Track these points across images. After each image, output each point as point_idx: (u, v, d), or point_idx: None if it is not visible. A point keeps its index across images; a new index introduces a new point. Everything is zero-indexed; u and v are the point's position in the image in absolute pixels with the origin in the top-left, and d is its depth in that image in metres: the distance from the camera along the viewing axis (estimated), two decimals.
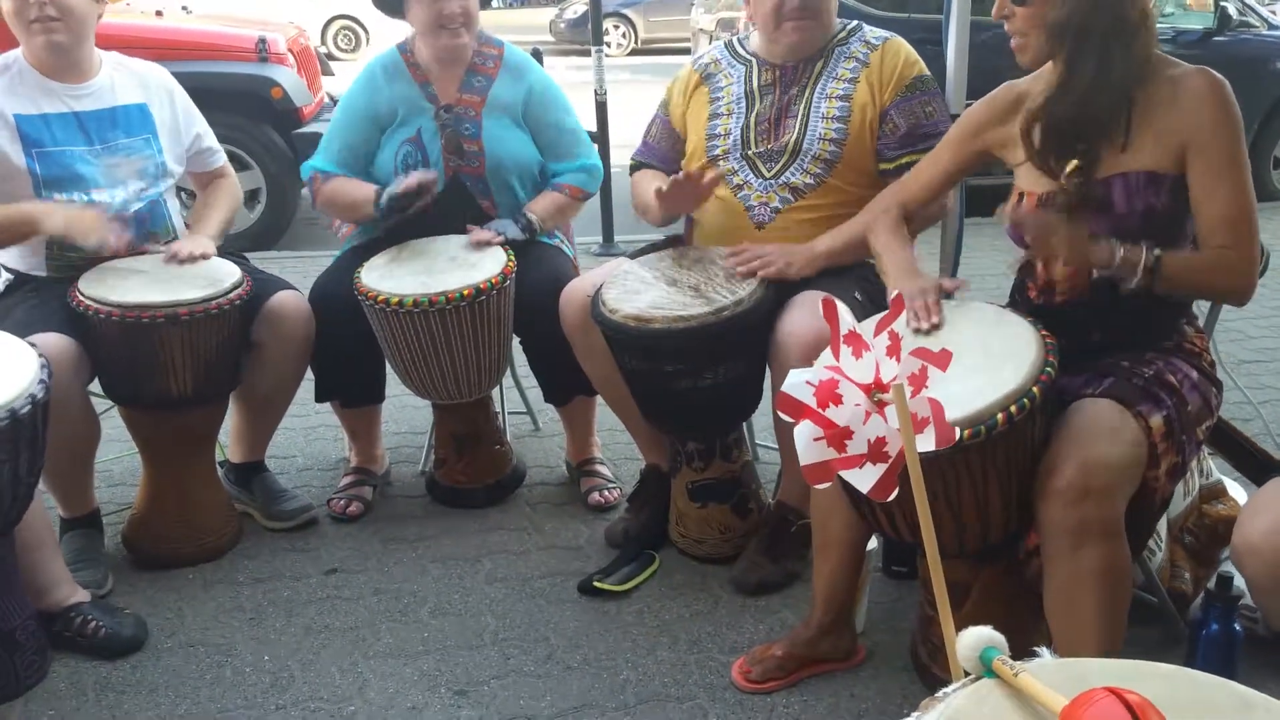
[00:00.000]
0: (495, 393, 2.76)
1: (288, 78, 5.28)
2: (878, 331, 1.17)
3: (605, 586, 2.28)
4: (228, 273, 2.40)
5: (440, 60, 2.60)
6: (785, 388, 1.22)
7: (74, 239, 2.23)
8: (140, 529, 2.48)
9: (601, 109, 5.01)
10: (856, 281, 2.22)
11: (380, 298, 2.40)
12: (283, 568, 2.45)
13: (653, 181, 2.40)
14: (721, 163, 2.34)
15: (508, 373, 2.84)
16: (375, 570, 2.44)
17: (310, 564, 2.47)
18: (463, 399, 2.59)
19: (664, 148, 2.52)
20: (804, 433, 1.21)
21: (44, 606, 2.13)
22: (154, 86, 2.54)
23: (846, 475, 1.21)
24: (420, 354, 2.48)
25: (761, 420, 2.62)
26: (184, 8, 6.03)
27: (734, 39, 2.52)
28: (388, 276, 2.46)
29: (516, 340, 2.65)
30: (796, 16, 2.29)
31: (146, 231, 2.47)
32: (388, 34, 14.80)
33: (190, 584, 2.39)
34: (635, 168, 2.57)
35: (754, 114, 2.34)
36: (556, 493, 2.76)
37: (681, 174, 2.26)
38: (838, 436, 1.19)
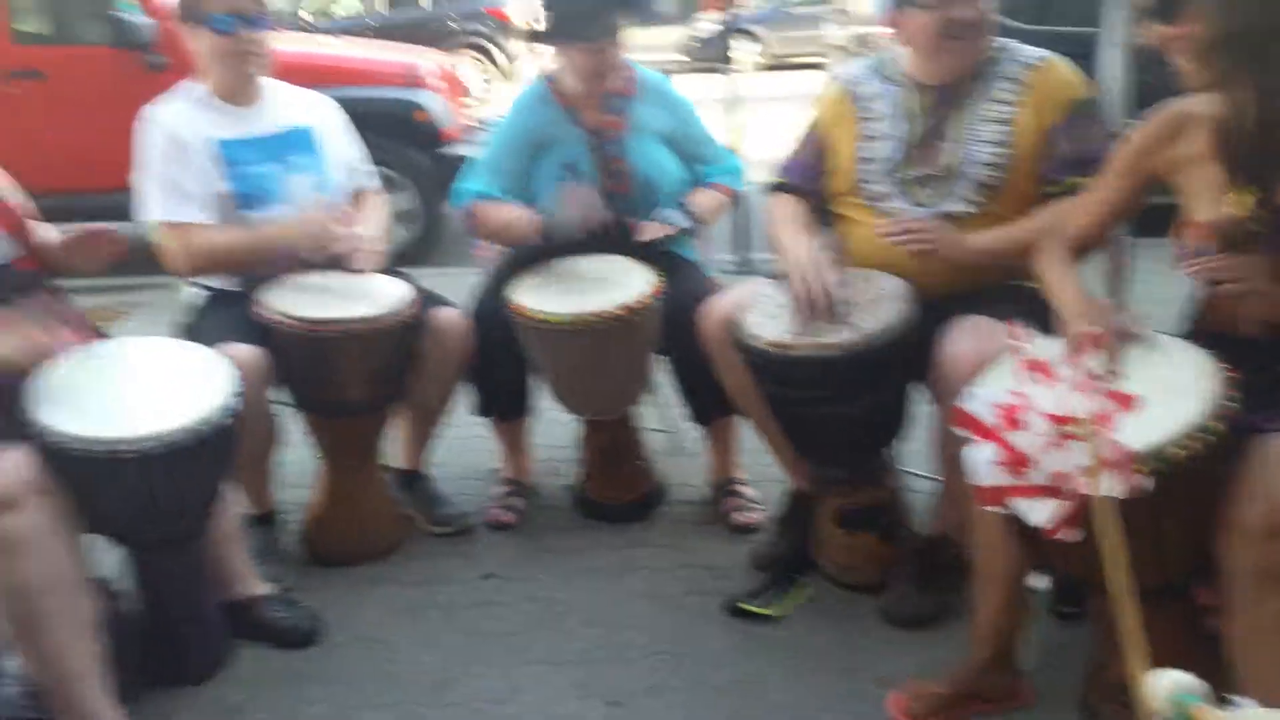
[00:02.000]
0: (642, 409, 2.84)
1: (434, 102, 5.55)
2: (1068, 363, 1.18)
3: (752, 609, 2.32)
4: (397, 290, 2.54)
5: (582, 86, 2.70)
6: (968, 405, 1.22)
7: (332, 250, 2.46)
8: (316, 528, 2.65)
9: (737, 125, 5.05)
10: (1013, 307, 2.17)
11: (533, 315, 2.49)
12: (443, 571, 2.58)
13: (789, 209, 2.42)
14: (872, 186, 2.33)
15: (655, 390, 2.90)
16: (528, 578, 2.54)
17: (468, 568, 2.59)
18: (609, 415, 2.67)
19: (810, 167, 2.49)
20: (981, 454, 1.22)
21: (230, 597, 2.30)
22: (315, 109, 2.72)
23: (1022, 504, 1.21)
24: (570, 370, 2.57)
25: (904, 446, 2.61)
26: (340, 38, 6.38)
27: (882, 58, 2.49)
28: (539, 295, 2.55)
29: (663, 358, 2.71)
30: (961, 35, 2.21)
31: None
32: (528, 61, 15.21)
33: (359, 582, 2.54)
34: (775, 187, 2.55)
35: (907, 137, 2.31)
36: (699, 512, 2.81)
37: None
38: (1016, 462, 1.20)
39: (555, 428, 3.24)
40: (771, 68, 15.08)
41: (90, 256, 2.21)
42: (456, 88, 6.05)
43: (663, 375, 2.81)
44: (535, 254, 2.71)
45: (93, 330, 2.27)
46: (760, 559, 2.50)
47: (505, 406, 2.81)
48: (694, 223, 2.70)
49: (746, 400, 2.40)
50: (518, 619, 2.38)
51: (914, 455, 2.71)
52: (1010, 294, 2.19)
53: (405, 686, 2.16)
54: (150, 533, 2.03)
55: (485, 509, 2.82)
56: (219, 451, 2.00)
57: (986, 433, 1.20)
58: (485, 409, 2.81)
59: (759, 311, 2.26)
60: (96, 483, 1.87)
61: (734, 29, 5.58)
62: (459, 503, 2.82)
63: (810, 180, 2.47)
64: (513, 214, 2.68)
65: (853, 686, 2.09)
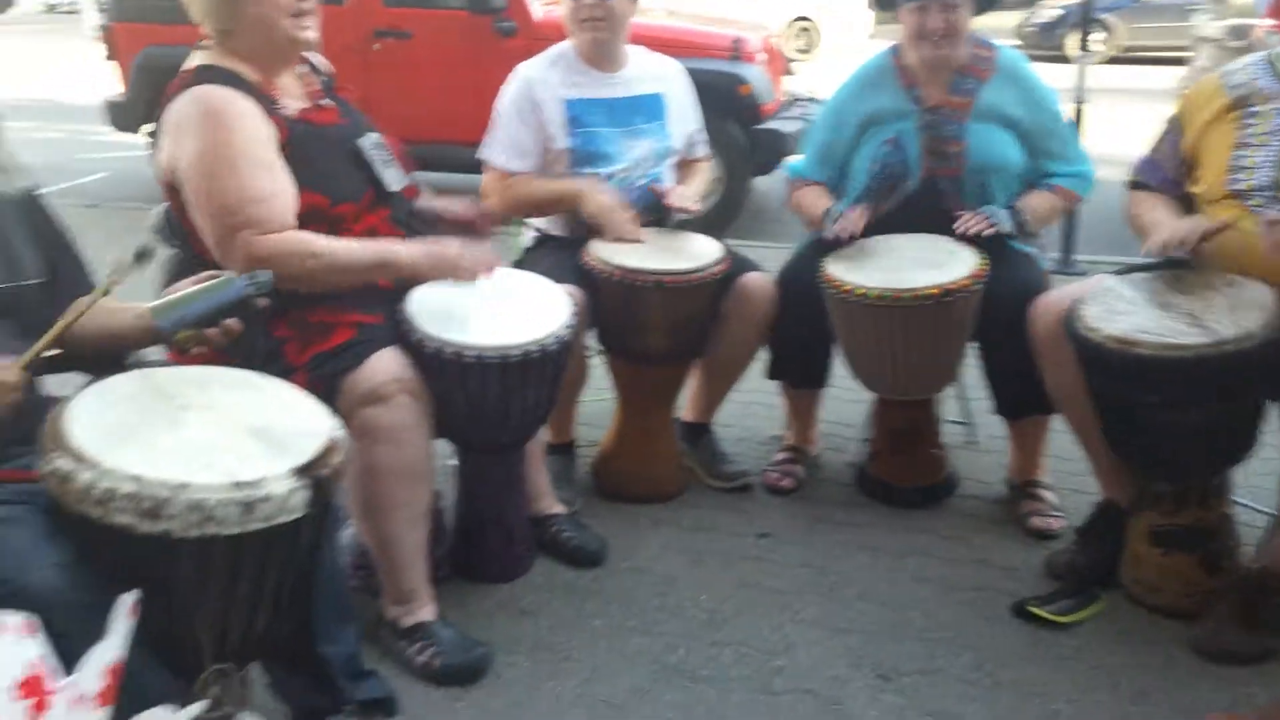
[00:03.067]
0: (940, 396, 2.75)
1: (756, 76, 5.58)
2: None
3: (1042, 613, 2.20)
4: (712, 250, 2.61)
5: (929, 67, 2.63)
6: None
7: (599, 224, 2.58)
8: (606, 463, 2.79)
9: (1077, 118, 4.73)
10: None
11: (845, 287, 2.47)
12: (720, 522, 2.64)
13: (1152, 201, 2.25)
14: (1249, 192, 2.12)
15: (959, 378, 2.80)
16: (803, 544, 2.55)
17: (744, 524, 2.63)
18: (910, 396, 2.62)
19: (1168, 169, 2.33)
20: None
21: (530, 512, 2.48)
22: (670, 78, 2.83)
23: None
24: (876, 347, 2.53)
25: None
26: (668, 10, 6.58)
27: (1274, 54, 2.26)
28: (855, 268, 2.53)
29: (973, 346, 2.61)
30: None
31: (648, 203, 2.75)
32: (840, 37, 15.13)
33: (641, 519, 2.65)
34: (1134, 185, 2.41)
35: None
36: (992, 509, 2.70)
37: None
38: None
39: (844, 405, 3.22)
40: (1115, 60, 13.97)
41: (457, 231, 2.28)
42: (777, 61, 6.07)
43: (971, 364, 2.71)
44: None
45: None
46: (1056, 566, 2.37)
47: (800, 374, 2.82)
48: (1020, 231, 2.55)
49: (1070, 399, 2.28)
50: (792, 580, 2.39)
51: (1253, 482, 2.47)
52: None
53: (678, 619, 2.25)
54: (481, 438, 2.21)
55: (764, 472, 2.85)
56: (546, 372, 2.15)
57: None
58: (780, 374, 2.83)
59: (1101, 305, 2.13)
60: (455, 383, 2.04)
61: (1081, 17, 5.17)
62: (740, 461, 2.87)
63: (1168, 184, 2.32)
64: (815, 209, 2.69)
65: (1147, 710, 1.95)
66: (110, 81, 6.55)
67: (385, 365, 1.96)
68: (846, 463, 2.95)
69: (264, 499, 1.30)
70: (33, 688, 0.98)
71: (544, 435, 2.62)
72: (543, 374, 2.13)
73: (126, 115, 6.38)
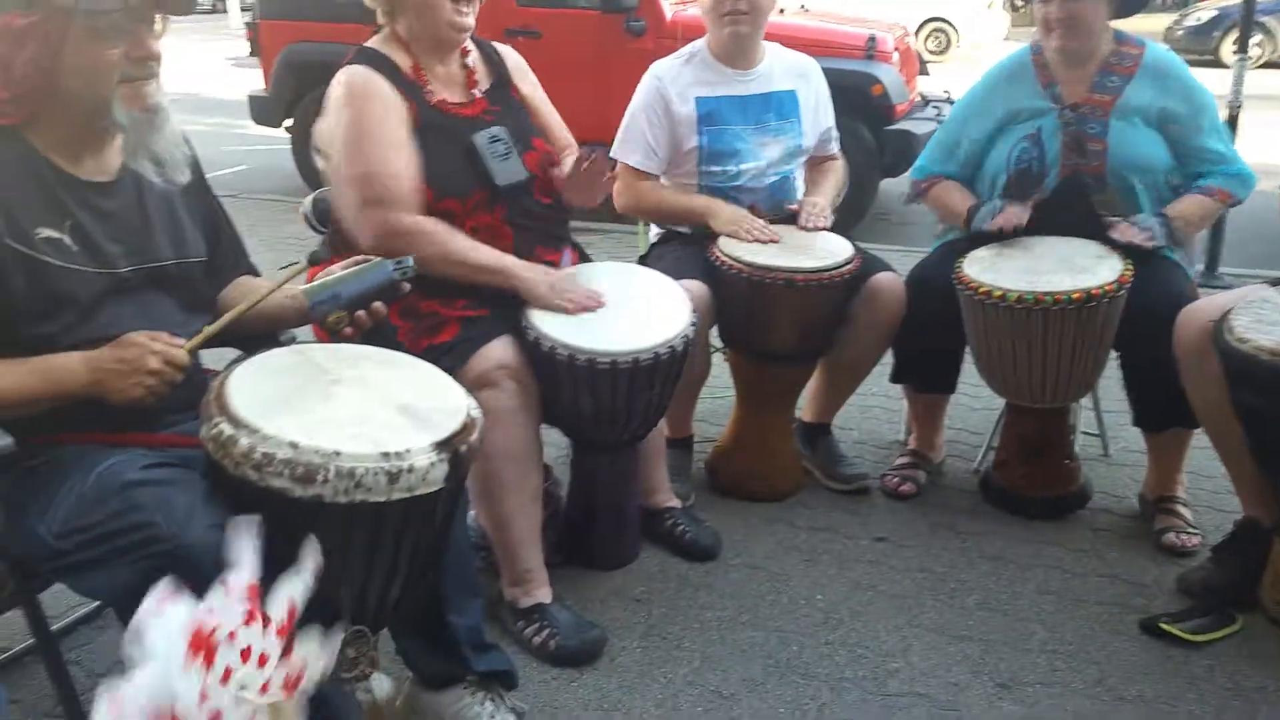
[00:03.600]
0: (1074, 405, 2.67)
1: (889, 76, 5.50)
2: None
3: (1174, 631, 2.12)
4: (843, 248, 2.59)
5: (1068, 63, 2.56)
6: None
7: (733, 236, 2.58)
8: (723, 460, 2.81)
9: (1232, 124, 4.50)
10: None
11: (981, 289, 2.42)
12: (836, 524, 2.63)
13: None
14: None
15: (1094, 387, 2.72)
16: (922, 549, 2.51)
17: (860, 528, 2.61)
18: (1044, 404, 2.54)
19: None
20: None
21: (646, 503, 2.51)
22: (804, 75, 2.81)
23: None
24: (1011, 351, 2.47)
25: None
26: (802, 6, 6.53)
27: None
28: (991, 269, 2.48)
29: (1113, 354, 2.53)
30: None
31: (777, 201, 2.76)
32: (977, 37, 14.74)
33: (755, 517, 2.65)
34: None
35: None
36: (1124, 524, 2.60)
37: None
38: None
39: (970, 412, 3.17)
40: (1270, 64, 13.22)
41: (587, 188, 2.30)
42: (911, 61, 5.96)
43: (1109, 373, 2.62)
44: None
45: (578, 254, 2.55)
46: (1191, 585, 2.27)
47: (927, 378, 2.78)
48: (1170, 241, 2.45)
49: (1214, 412, 2.19)
50: (910, 584, 2.36)
51: None
52: None
53: (792, 616, 2.25)
54: (600, 435, 2.24)
55: (884, 476, 2.81)
56: (671, 372, 2.17)
57: None
58: (905, 377, 2.80)
59: (1252, 316, 2.05)
60: (568, 382, 2.09)
61: (1242, 18, 4.89)
62: (858, 464, 2.84)
63: None
64: (955, 204, 2.65)
65: None
66: (254, 77, 6.89)
67: (494, 353, 2.04)
68: (971, 470, 2.89)
69: (408, 470, 1.36)
70: (199, 639, 1.05)
71: (663, 429, 2.66)
72: (667, 374, 2.16)
73: (269, 110, 6.69)
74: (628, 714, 1.96)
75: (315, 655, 1.14)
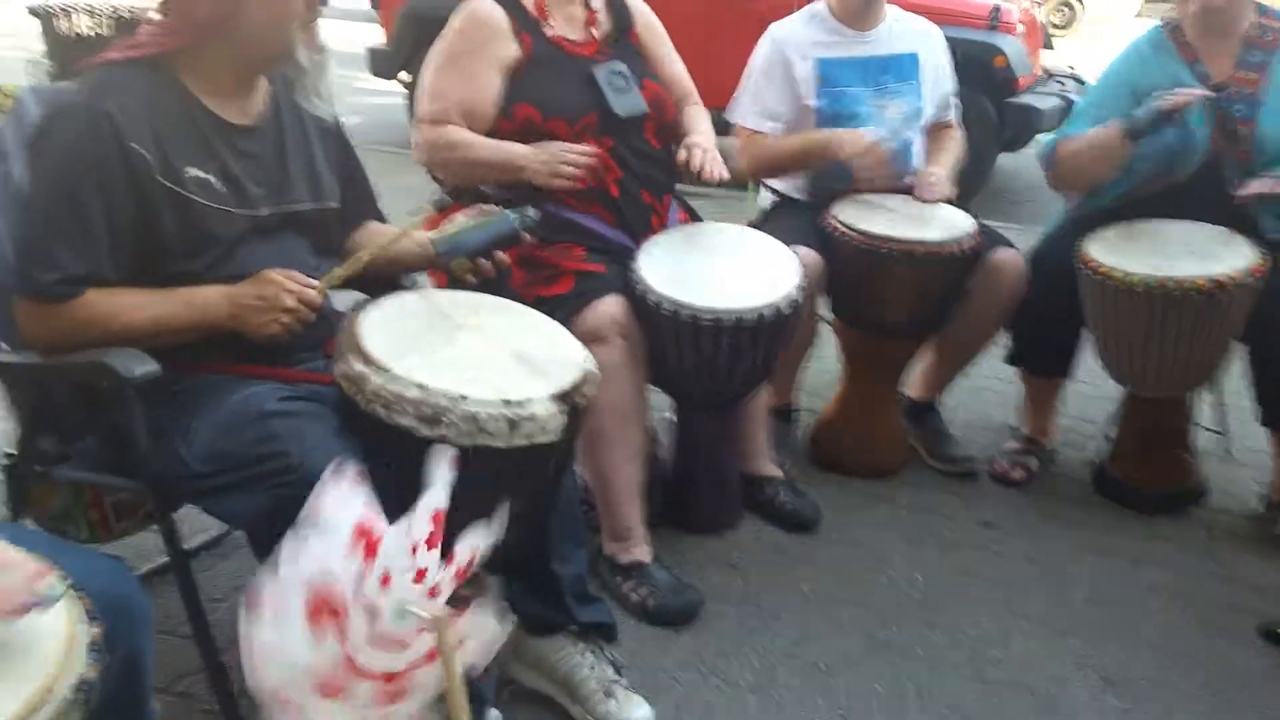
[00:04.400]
0: (1194, 399, 2.57)
1: (1013, 47, 5.31)
2: None
3: None
4: (962, 221, 2.53)
5: (1210, 33, 2.42)
6: None
7: (860, 168, 2.49)
8: (825, 431, 2.78)
9: None
10: None
11: (1102, 269, 2.34)
12: (940, 505, 2.58)
13: None
14: None
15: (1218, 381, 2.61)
16: (1030, 538, 2.45)
17: (966, 510, 2.56)
18: (1164, 394, 2.45)
19: None
20: None
21: (746, 470, 2.51)
22: (925, 39, 2.73)
23: None
24: (1133, 337, 2.38)
25: None
26: None
27: None
28: (1116, 251, 2.38)
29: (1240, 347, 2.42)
30: None
31: (896, 168, 2.69)
32: (1103, 10, 14.12)
33: (857, 492, 2.62)
34: None
35: None
36: (1244, 525, 2.50)
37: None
38: None
39: (1086, 400, 3.07)
40: None
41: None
42: (1036, 34, 5.74)
43: (1235, 367, 2.51)
44: (1118, 212, 2.53)
45: (688, 213, 2.54)
46: None
47: (1043, 361, 2.70)
48: None
49: None
50: (1015, 573, 2.31)
51: None
52: None
53: (891, 596, 2.22)
54: (702, 393, 2.24)
55: (993, 460, 2.75)
56: (777, 335, 2.15)
57: None
58: (1020, 359, 2.72)
59: None
60: (670, 337, 2.10)
61: None
62: (966, 446, 2.78)
63: None
64: (1094, 134, 2.45)
65: None
66: (373, 31, 7.00)
67: (606, 308, 2.06)
68: (1084, 460, 2.81)
69: (529, 418, 1.38)
70: (363, 532, 1.08)
71: (766, 396, 2.64)
72: (771, 337, 2.13)
73: (387, 63, 6.78)
74: (725, 679, 1.96)
75: (484, 621, 1.16)
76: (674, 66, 2.41)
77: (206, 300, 1.56)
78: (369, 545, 1.07)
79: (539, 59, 2.18)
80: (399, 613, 1.07)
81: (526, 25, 2.20)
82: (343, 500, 1.08)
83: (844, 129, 2.56)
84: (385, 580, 1.08)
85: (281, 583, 1.05)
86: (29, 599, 0.93)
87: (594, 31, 2.26)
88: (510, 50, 2.17)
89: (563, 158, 2.12)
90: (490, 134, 2.18)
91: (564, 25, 2.24)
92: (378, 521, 1.10)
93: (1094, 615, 2.16)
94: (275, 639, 1.05)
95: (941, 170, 2.67)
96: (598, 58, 2.22)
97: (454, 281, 1.75)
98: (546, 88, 2.17)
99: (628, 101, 2.19)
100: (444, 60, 2.20)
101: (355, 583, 1.06)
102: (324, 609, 1.05)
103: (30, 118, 1.72)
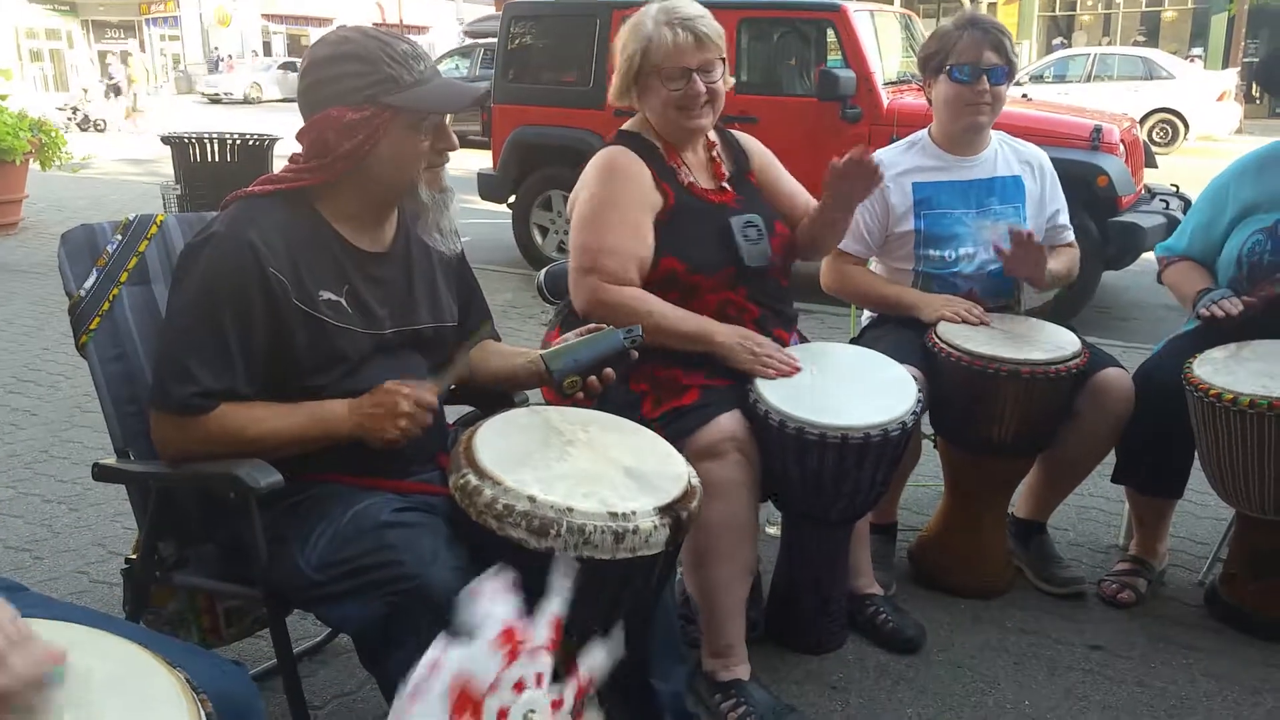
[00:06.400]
0: None
1: (1115, 167, 5.33)
2: None
3: None
4: (1069, 341, 2.52)
5: None
6: None
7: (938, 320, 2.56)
8: (928, 549, 2.75)
9: None
10: None
11: (1213, 391, 2.30)
12: (1048, 628, 2.51)
13: None
14: None
15: None
16: (1140, 662, 2.37)
17: (1074, 633, 2.49)
18: (1276, 516, 2.36)
19: None
20: None
21: (849, 589, 2.49)
22: (1030, 162, 2.78)
23: None
24: (1244, 458, 2.32)
25: None
26: (1024, 95, 6.45)
27: None
28: (1225, 371, 2.35)
29: None
30: None
31: (997, 291, 2.71)
32: (1207, 129, 13.97)
33: (962, 613, 2.58)
34: None
35: None
36: None
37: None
38: None
39: (1196, 520, 2.97)
40: None
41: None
42: (1138, 153, 5.75)
43: None
44: (1229, 328, 2.50)
45: (798, 333, 2.58)
46: None
47: (1152, 480, 2.64)
48: None
49: None
50: (1126, 697, 2.23)
51: None
52: None
53: None
54: (816, 511, 2.24)
55: (1101, 581, 2.68)
56: (885, 455, 2.14)
57: None
58: (1128, 478, 2.66)
59: None
60: (792, 457, 2.11)
61: None
62: (1074, 567, 2.72)
63: None
64: (1192, 287, 2.56)
65: None
66: (483, 157, 7.42)
67: (726, 424, 2.08)
68: (1195, 582, 2.71)
69: (633, 531, 1.45)
70: (509, 636, 1.15)
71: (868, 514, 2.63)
72: (881, 456, 2.13)
73: (495, 187, 7.18)
74: None
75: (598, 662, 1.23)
76: (791, 185, 2.50)
77: (331, 413, 1.67)
78: (513, 649, 1.14)
79: (681, 209, 2.22)
80: (525, 715, 1.13)
81: (665, 174, 2.24)
82: (495, 601, 1.15)
83: (937, 294, 2.64)
84: (519, 686, 1.14)
85: (430, 669, 1.11)
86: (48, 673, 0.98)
87: (724, 182, 2.33)
88: (656, 201, 2.22)
89: (769, 350, 2.19)
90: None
91: (696, 172, 2.31)
92: (526, 628, 1.16)
93: None
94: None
95: (1049, 257, 2.63)
96: (734, 205, 2.30)
97: (564, 397, 1.84)
98: (688, 241, 2.21)
99: (759, 252, 2.27)
100: (603, 212, 2.19)
101: (494, 680, 1.12)
102: (467, 703, 1.10)
103: (175, 245, 1.89)
